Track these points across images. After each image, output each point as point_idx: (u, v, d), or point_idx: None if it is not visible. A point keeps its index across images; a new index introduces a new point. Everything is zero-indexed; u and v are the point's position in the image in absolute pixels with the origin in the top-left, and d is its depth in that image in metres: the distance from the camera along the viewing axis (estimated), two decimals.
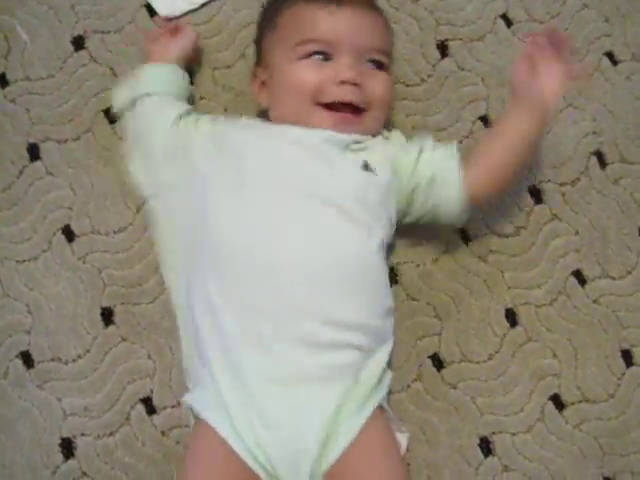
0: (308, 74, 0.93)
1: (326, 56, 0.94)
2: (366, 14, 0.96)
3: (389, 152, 0.96)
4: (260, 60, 1.02)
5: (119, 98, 1.04)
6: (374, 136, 0.98)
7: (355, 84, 0.92)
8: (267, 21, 1.02)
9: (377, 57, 0.96)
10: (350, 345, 0.85)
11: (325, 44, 0.93)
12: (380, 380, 0.89)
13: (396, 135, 1.00)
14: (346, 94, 0.92)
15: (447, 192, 0.95)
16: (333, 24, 0.94)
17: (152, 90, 1.01)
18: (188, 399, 0.89)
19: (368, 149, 0.95)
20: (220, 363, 0.85)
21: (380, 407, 0.88)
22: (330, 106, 0.93)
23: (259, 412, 0.82)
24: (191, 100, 1.07)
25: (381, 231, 0.92)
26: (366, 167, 0.93)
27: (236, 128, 0.97)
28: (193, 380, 0.92)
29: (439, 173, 0.94)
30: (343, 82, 0.92)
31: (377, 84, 0.95)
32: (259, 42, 1.03)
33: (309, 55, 0.94)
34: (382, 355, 0.90)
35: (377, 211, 0.92)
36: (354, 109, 0.94)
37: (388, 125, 1.05)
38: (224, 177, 0.92)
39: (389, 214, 0.95)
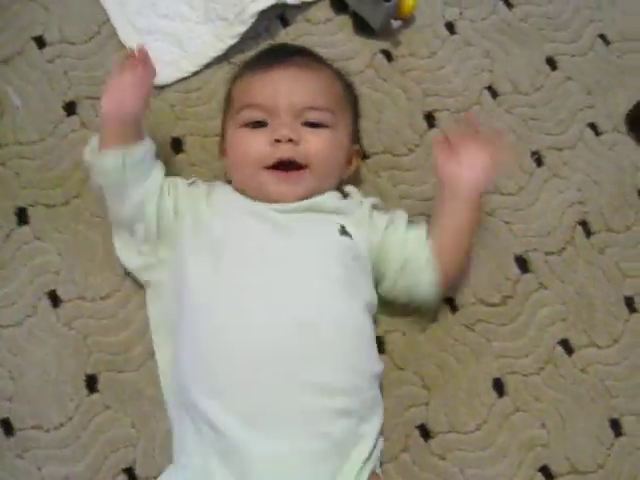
0: (247, 142, 0.96)
1: (260, 123, 0.96)
2: (301, 73, 0.99)
3: (363, 219, 0.97)
4: (222, 132, 1.06)
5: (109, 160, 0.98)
6: (345, 197, 1.00)
7: (290, 140, 0.93)
8: (227, 95, 1.06)
9: (313, 117, 0.96)
10: (339, 411, 0.85)
11: (259, 108, 0.96)
12: (371, 453, 0.88)
13: (368, 204, 1.00)
14: (284, 151, 0.94)
15: (421, 275, 0.96)
16: (264, 87, 0.97)
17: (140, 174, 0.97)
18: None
19: (345, 214, 0.96)
20: (211, 441, 0.84)
21: (375, 474, 0.88)
22: (275, 167, 0.95)
23: None
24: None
25: (364, 291, 0.94)
26: (343, 231, 0.94)
27: (213, 211, 0.96)
28: (179, 449, 0.91)
29: (411, 256, 0.96)
30: (278, 140, 0.94)
31: (314, 139, 0.95)
32: (222, 116, 1.07)
33: (246, 124, 0.97)
34: (373, 428, 0.90)
35: (356, 273, 0.93)
36: (298, 167, 0.95)
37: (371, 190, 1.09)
38: (199, 257, 0.92)
39: (368, 277, 0.96)
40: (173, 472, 0.88)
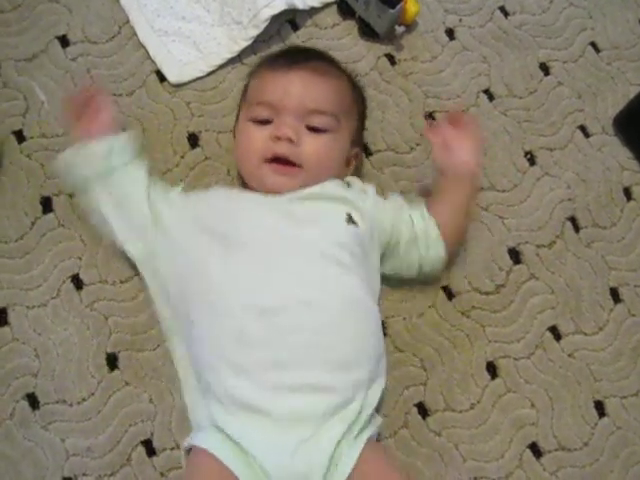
0: (251, 136, 1.01)
1: (267, 120, 1.01)
2: (314, 77, 1.01)
3: (368, 206, 1.01)
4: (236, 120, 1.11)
5: (82, 171, 1.03)
6: (349, 186, 1.04)
7: (290, 140, 0.97)
8: (244, 86, 1.11)
9: (317, 122, 1.00)
10: (349, 384, 0.89)
11: (268, 106, 1.00)
12: (371, 417, 0.93)
13: (372, 191, 1.05)
14: (280, 148, 0.98)
15: (430, 250, 1.03)
16: (277, 87, 1.00)
17: (127, 160, 1.04)
18: (191, 439, 0.91)
19: (350, 202, 1.00)
20: (225, 405, 0.89)
21: (377, 440, 0.93)
22: (273, 161, 0.99)
23: (269, 442, 0.86)
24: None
25: (368, 278, 0.98)
26: (350, 220, 0.98)
27: (214, 211, 1.00)
28: (196, 425, 0.96)
29: (420, 233, 1.03)
30: (278, 138, 0.98)
31: (313, 143, 0.99)
32: (239, 105, 1.12)
33: (254, 119, 1.02)
34: (375, 392, 0.94)
35: (362, 261, 0.97)
36: (292, 165, 0.99)
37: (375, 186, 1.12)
38: (211, 249, 0.95)
39: (374, 262, 1.01)
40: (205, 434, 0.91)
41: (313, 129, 1.00)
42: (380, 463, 0.89)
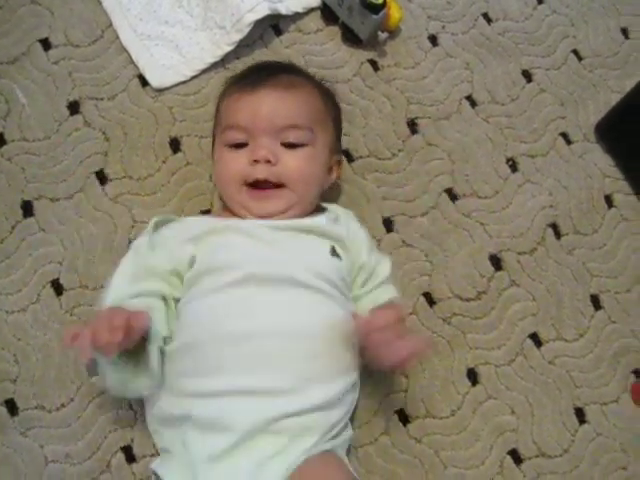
0: (228, 161, 1.00)
1: (241, 144, 0.99)
2: (282, 93, 1.00)
3: (351, 245, 1.01)
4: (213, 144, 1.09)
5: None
6: (336, 221, 1.03)
7: (268, 161, 0.96)
8: (215, 110, 1.10)
9: (292, 137, 0.98)
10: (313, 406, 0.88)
11: (241, 130, 0.99)
12: (332, 432, 0.90)
13: (354, 230, 1.05)
14: (260, 172, 0.97)
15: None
16: (246, 109, 0.99)
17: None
18: (156, 466, 0.92)
19: (335, 236, 1.00)
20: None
21: (337, 456, 0.91)
22: (254, 185, 0.98)
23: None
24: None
25: (348, 304, 0.98)
26: (334, 252, 0.98)
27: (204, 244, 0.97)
28: (161, 446, 0.95)
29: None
30: (256, 161, 0.97)
31: (292, 160, 0.98)
32: (213, 129, 1.10)
33: (228, 144, 1.01)
34: (341, 414, 0.92)
35: (343, 289, 0.97)
36: (275, 185, 0.98)
37: (357, 191, 1.14)
38: (200, 284, 0.94)
39: (350, 291, 1.01)
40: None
41: (290, 145, 0.99)
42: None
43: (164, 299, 0.94)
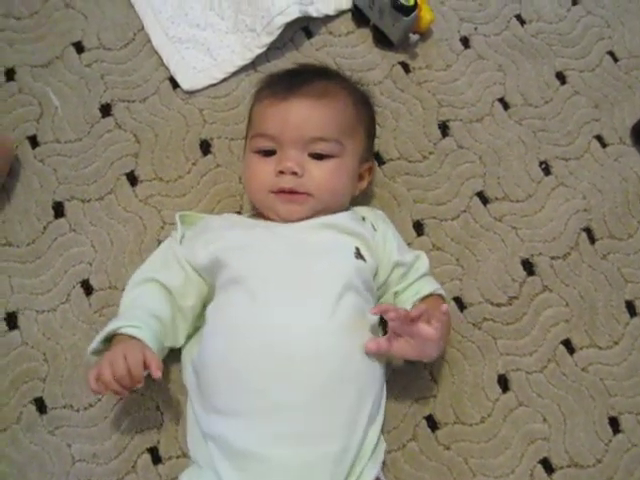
0: (256, 168, 1.01)
1: (269, 152, 1.00)
2: (313, 103, 0.99)
3: (378, 245, 1.01)
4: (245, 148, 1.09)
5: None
6: (364, 220, 1.03)
7: (294, 173, 0.97)
8: (248, 114, 1.10)
9: (320, 149, 0.98)
10: (347, 430, 0.88)
11: (269, 138, 0.99)
12: (372, 454, 0.92)
13: (384, 229, 1.04)
14: (286, 182, 0.97)
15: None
16: (276, 118, 0.99)
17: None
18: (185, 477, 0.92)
19: (360, 237, 0.99)
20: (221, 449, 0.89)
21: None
22: (279, 192, 0.99)
23: None
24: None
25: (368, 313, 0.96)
26: (358, 254, 0.97)
27: (229, 250, 0.97)
28: (193, 455, 0.95)
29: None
30: (282, 172, 0.97)
31: (318, 172, 0.98)
32: (246, 131, 1.10)
33: (257, 151, 1.01)
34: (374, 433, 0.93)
35: (365, 295, 0.96)
36: (300, 193, 0.98)
37: (387, 194, 1.13)
38: (232, 292, 0.94)
39: (374, 295, 1.00)
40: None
41: (317, 156, 0.99)
42: None
43: (170, 292, 0.98)
